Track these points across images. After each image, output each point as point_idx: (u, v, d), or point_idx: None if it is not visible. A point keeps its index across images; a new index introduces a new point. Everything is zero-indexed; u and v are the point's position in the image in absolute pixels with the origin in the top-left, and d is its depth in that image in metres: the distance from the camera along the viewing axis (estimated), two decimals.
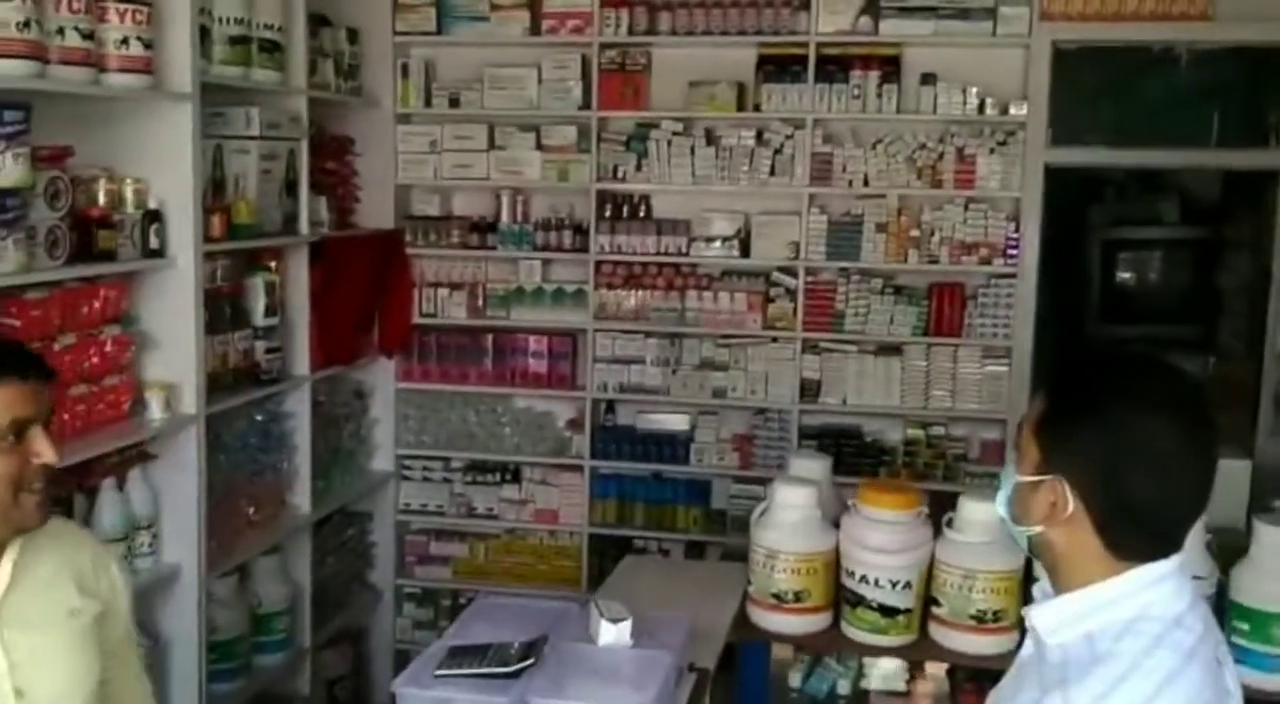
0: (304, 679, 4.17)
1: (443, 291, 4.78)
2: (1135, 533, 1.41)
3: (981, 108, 4.35)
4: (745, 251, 4.57)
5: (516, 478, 4.85)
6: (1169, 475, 1.38)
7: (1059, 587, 1.49)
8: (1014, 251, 4.41)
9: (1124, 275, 5.98)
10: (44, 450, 1.73)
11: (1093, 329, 5.82)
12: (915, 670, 3.11)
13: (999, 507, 1.56)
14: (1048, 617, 1.47)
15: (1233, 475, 3.67)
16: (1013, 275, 4.43)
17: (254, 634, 3.87)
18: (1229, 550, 2.91)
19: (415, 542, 4.94)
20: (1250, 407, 4.47)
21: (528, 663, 2.28)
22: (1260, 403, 4.44)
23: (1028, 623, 1.52)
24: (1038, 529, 1.47)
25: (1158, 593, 1.41)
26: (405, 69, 4.65)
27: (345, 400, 4.59)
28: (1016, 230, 4.41)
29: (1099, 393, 1.42)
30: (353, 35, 4.43)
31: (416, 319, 4.78)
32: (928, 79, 4.39)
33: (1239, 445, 4.21)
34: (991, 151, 4.38)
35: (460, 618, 2.69)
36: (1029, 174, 4.37)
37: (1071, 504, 1.41)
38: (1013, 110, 4.34)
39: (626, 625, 2.41)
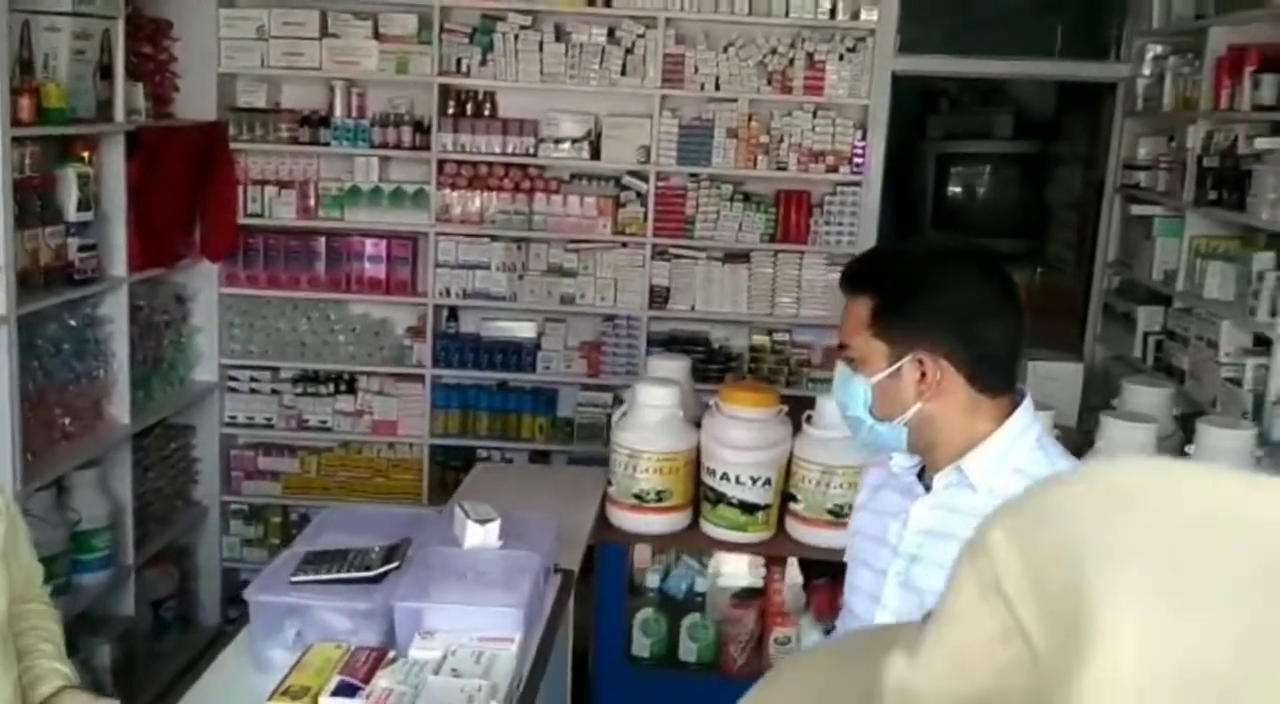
0: (128, 599, 3.93)
1: (270, 190, 4.49)
2: (995, 371, 1.58)
3: (833, 12, 4.31)
4: (595, 154, 4.44)
5: (351, 388, 4.65)
6: (1002, 319, 1.58)
7: (944, 450, 1.59)
8: (860, 160, 4.43)
9: (955, 188, 6.12)
10: None
11: (925, 238, 5.93)
12: (772, 566, 3.12)
13: (858, 413, 1.63)
14: (979, 463, 1.57)
15: (1066, 377, 3.82)
16: (858, 184, 4.45)
17: (74, 552, 3.61)
18: (1066, 445, 3.01)
19: (242, 456, 4.69)
20: (1079, 314, 4.65)
21: (391, 566, 2.16)
22: (1089, 310, 4.63)
23: (938, 484, 1.60)
24: (914, 409, 1.57)
25: (1037, 424, 1.62)
26: None
27: (165, 306, 4.28)
28: (863, 139, 4.42)
29: (926, 274, 1.60)
30: None
31: (242, 220, 4.48)
32: None
33: (1070, 350, 4.39)
34: (841, 58, 4.36)
35: (307, 528, 2.54)
36: (877, 82, 4.37)
37: (939, 370, 1.55)
38: (864, 15, 4.32)
39: (495, 526, 2.31)
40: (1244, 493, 0.56)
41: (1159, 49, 4.29)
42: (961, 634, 0.66)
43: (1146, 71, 4.36)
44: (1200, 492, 0.52)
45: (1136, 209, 4.29)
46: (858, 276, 1.65)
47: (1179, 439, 3.11)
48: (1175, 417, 3.31)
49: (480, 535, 2.30)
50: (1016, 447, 1.58)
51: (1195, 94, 3.87)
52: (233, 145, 4.41)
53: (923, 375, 1.56)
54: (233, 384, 4.63)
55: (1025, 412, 1.59)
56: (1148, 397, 3.28)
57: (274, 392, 4.65)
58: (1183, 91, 4.02)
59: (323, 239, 4.53)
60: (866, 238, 4.47)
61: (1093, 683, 0.55)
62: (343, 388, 4.65)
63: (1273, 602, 0.53)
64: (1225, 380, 3.44)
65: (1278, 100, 3.28)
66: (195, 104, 4.32)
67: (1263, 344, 3.31)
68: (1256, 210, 3.32)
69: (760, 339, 4.59)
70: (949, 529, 1.55)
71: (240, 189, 4.46)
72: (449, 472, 4.58)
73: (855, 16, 4.31)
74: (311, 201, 4.51)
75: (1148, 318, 4.11)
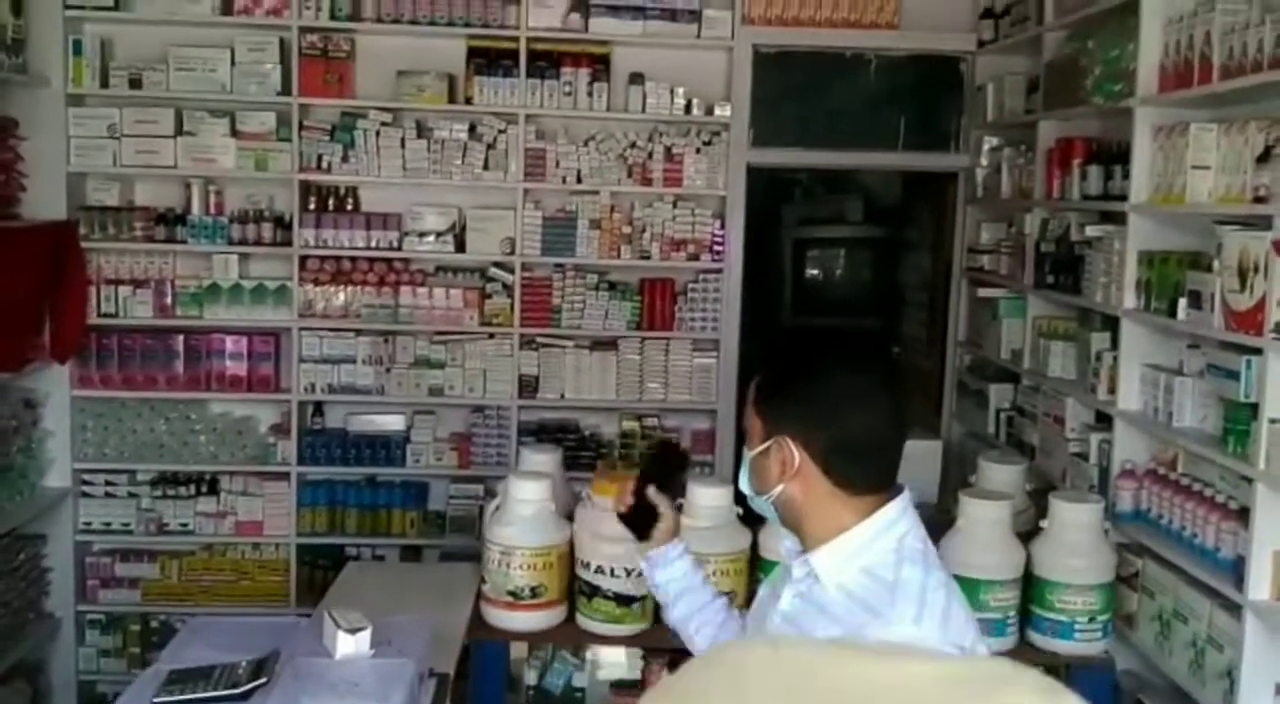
0: None
1: (124, 289, 4.39)
2: (854, 465, 1.57)
3: (688, 108, 4.46)
4: (460, 247, 4.47)
5: (213, 489, 4.52)
6: (867, 410, 1.58)
7: (810, 537, 1.60)
8: (720, 248, 4.55)
9: (813, 271, 6.32)
10: None
11: (785, 322, 6.11)
12: (650, 657, 3.12)
13: (742, 485, 1.69)
14: (826, 558, 1.57)
15: (926, 455, 3.95)
16: (719, 271, 4.58)
17: None
18: (928, 524, 3.10)
19: (98, 563, 4.51)
20: (935, 392, 4.83)
21: (260, 682, 2.10)
22: (944, 388, 4.81)
23: (797, 572, 1.62)
24: (778, 490, 1.60)
25: (906, 524, 1.58)
26: (78, 46, 4.22)
27: (12, 412, 4.11)
28: (722, 228, 4.55)
29: (798, 359, 1.64)
30: (16, 7, 3.98)
31: (94, 320, 4.35)
32: (636, 78, 4.46)
33: (927, 427, 4.54)
34: (698, 151, 4.50)
35: (172, 642, 2.45)
36: (733, 173, 4.52)
37: (797, 457, 1.57)
38: (717, 111, 4.47)
39: (365, 635, 2.27)
40: (791, 663, 0.77)
41: (994, 141, 4.55)
42: None
43: (984, 162, 4.61)
44: (758, 662, 0.76)
45: (983, 291, 4.50)
46: (760, 356, 1.69)
47: (1033, 514, 3.24)
48: (1028, 492, 3.46)
49: (351, 645, 2.25)
50: (875, 546, 1.54)
51: (1030, 184, 4.10)
52: (84, 244, 4.30)
53: (784, 460, 1.59)
54: (87, 489, 4.46)
55: (892, 510, 1.56)
56: (1002, 474, 3.40)
57: (131, 495, 4.50)
58: (1018, 181, 4.26)
59: (181, 337, 4.43)
60: (729, 323, 4.59)
61: None
62: (204, 489, 4.53)
63: None
64: (1072, 455, 3.61)
65: (1103, 190, 3.51)
66: (45, 203, 4.21)
67: (1104, 420, 3.49)
68: (1090, 293, 3.52)
69: (630, 425, 4.64)
70: (801, 620, 1.57)
71: (93, 289, 4.35)
72: (317, 571, 4.47)
73: (709, 112, 4.46)
74: (168, 300, 4.42)
75: (998, 395, 4.29)
